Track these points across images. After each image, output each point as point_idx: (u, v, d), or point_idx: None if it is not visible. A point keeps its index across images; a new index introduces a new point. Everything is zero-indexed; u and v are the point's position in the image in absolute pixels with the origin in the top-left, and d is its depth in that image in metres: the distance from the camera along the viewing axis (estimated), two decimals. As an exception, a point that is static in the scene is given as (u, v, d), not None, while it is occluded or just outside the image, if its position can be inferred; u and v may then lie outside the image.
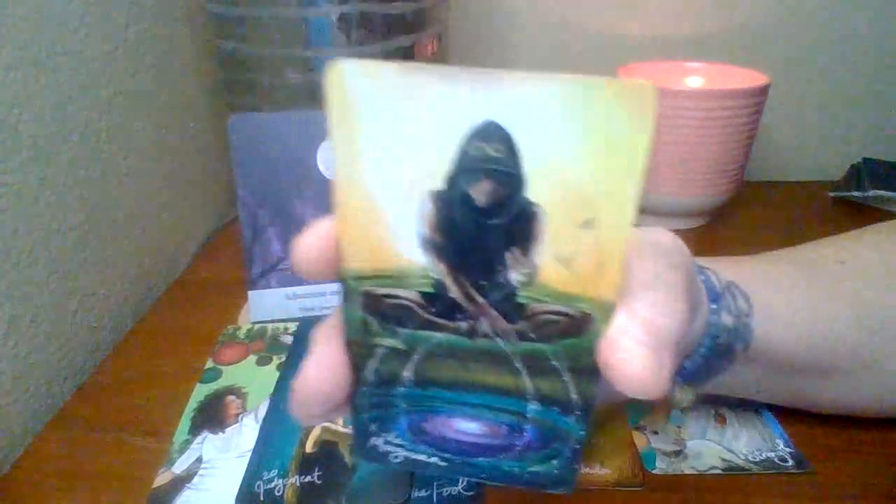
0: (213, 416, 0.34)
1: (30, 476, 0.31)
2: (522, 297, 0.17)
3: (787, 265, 0.30)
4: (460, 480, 0.29)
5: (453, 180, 0.16)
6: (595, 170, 0.16)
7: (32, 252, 0.36)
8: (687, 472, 0.30)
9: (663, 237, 0.21)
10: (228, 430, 0.34)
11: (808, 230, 0.35)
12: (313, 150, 0.41)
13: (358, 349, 0.19)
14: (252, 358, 0.39)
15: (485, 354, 0.19)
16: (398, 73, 0.16)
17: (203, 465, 0.31)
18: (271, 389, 0.36)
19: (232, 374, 0.38)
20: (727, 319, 0.25)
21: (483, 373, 0.19)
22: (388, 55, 0.47)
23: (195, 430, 0.34)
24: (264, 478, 0.30)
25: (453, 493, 0.29)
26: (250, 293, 0.43)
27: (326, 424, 0.33)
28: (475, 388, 0.19)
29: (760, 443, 0.31)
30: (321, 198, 0.42)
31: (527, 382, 0.19)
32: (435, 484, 0.29)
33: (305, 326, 0.42)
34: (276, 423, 0.33)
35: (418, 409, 0.20)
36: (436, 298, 0.18)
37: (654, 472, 0.30)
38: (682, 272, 0.20)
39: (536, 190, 0.16)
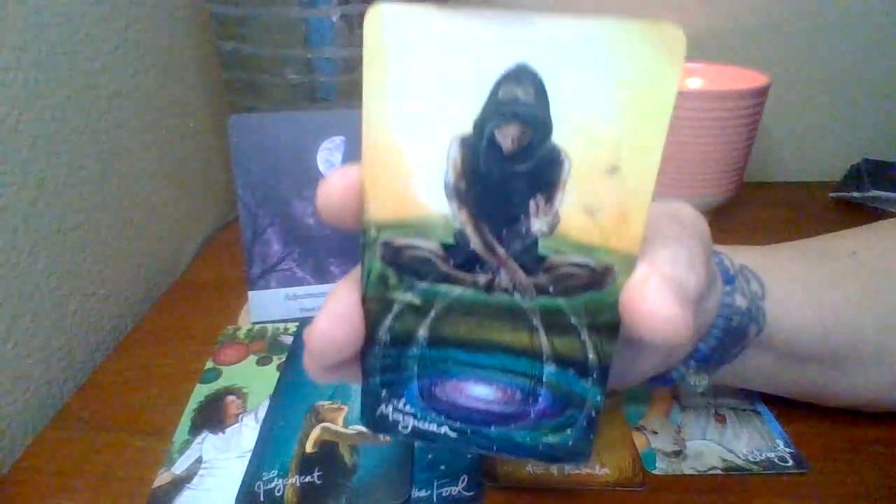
0: (213, 416, 0.34)
1: (30, 476, 0.31)
2: (543, 248, 0.17)
3: (800, 253, 0.30)
4: (460, 480, 0.29)
5: (481, 125, 0.16)
6: (622, 113, 0.16)
7: (32, 252, 0.36)
8: (687, 472, 0.30)
9: (683, 209, 0.22)
10: (228, 430, 0.34)
11: (808, 230, 0.35)
12: (313, 150, 0.41)
13: (374, 304, 0.19)
14: (252, 358, 0.39)
15: (502, 311, 0.18)
16: (435, 16, 0.16)
17: (203, 465, 0.31)
18: (271, 389, 0.36)
19: (232, 375, 0.38)
20: (741, 301, 0.26)
21: (499, 331, 0.19)
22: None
23: (195, 430, 0.34)
24: (264, 478, 0.30)
25: (453, 493, 0.29)
26: (250, 293, 0.43)
27: (326, 424, 0.33)
28: (490, 347, 0.19)
29: (760, 443, 0.31)
30: (321, 198, 0.42)
31: (543, 341, 0.18)
32: (435, 484, 0.29)
33: (305, 327, 0.42)
34: (276, 423, 0.33)
35: (430, 373, 0.20)
36: (456, 250, 0.18)
37: (654, 472, 0.30)
38: (700, 241, 0.20)
39: (563, 135, 0.16)
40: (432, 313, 0.19)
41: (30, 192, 0.36)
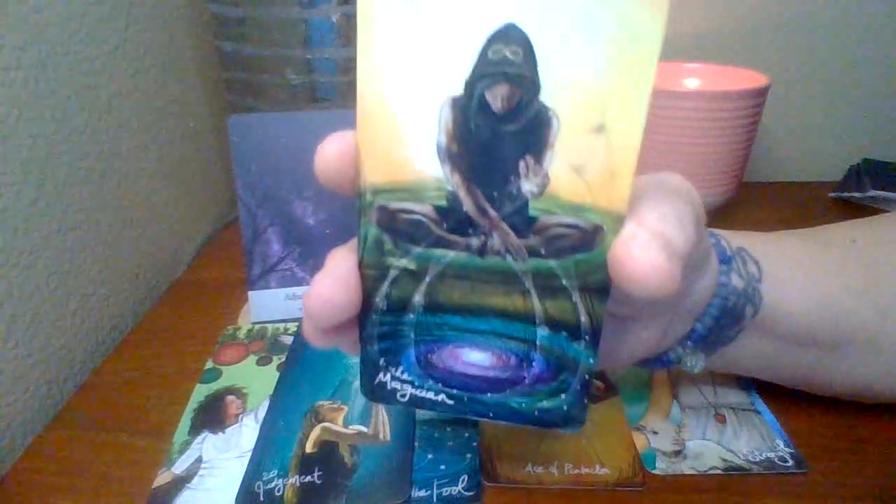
0: (213, 416, 0.34)
1: (30, 476, 0.31)
2: (534, 209, 0.18)
3: (799, 240, 0.31)
4: (460, 480, 0.29)
5: (471, 85, 0.17)
6: (608, 71, 0.16)
7: (32, 252, 0.36)
8: (687, 472, 0.30)
9: (672, 177, 0.22)
10: (228, 430, 0.34)
11: (808, 230, 0.35)
12: (313, 150, 0.41)
13: (371, 270, 0.19)
14: (252, 358, 0.39)
15: (495, 274, 0.19)
16: None
17: (203, 465, 0.31)
18: (271, 389, 0.36)
19: (232, 375, 0.38)
20: (737, 282, 0.26)
21: (492, 295, 0.19)
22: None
23: (195, 430, 0.34)
24: (264, 478, 0.30)
25: (453, 493, 0.29)
26: (250, 293, 0.43)
27: (326, 424, 0.33)
28: (484, 312, 0.19)
29: (760, 443, 0.31)
30: (321, 198, 0.42)
31: (536, 304, 0.19)
32: (435, 484, 0.29)
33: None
34: (276, 422, 0.33)
35: (427, 339, 0.20)
36: (449, 213, 0.18)
37: (654, 472, 0.30)
38: (689, 205, 0.20)
39: (551, 94, 0.17)
40: (427, 278, 0.19)
41: (30, 192, 0.36)
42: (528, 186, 0.17)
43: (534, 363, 0.20)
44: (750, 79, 0.51)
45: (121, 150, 0.44)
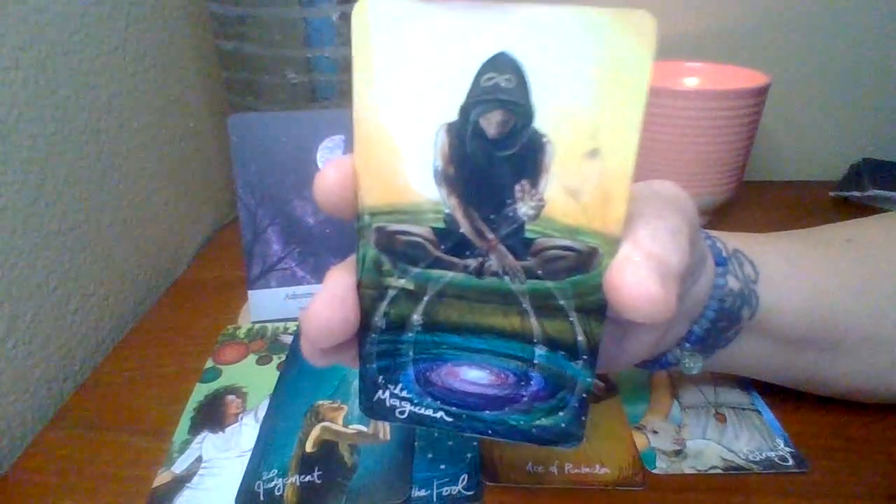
0: (213, 415, 0.34)
1: (30, 476, 0.31)
2: (530, 231, 0.18)
3: (795, 240, 0.31)
4: (460, 480, 0.29)
5: (466, 112, 0.17)
6: (600, 97, 0.16)
7: (32, 252, 0.36)
8: (687, 472, 0.30)
9: (665, 186, 0.22)
10: (228, 429, 0.34)
11: (808, 230, 0.35)
12: (313, 150, 0.41)
13: (369, 290, 0.19)
14: (252, 358, 0.39)
15: (493, 294, 0.19)
16: (420, 7, 0.16)
17: (203, 465, 0.31)
18: (271, 389, 0.36)
19: (232, 374, 0.38)
20: (733, 284, 0.26)
21: (491, 314, 0.19)
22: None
23: (195, 429, 0.34)
24: (264, 477, 0.30)
25: (453, 492, 0.29)
26: (250, 293, 0.43)
27: (326, 424, 0.33)
28: (483, 331, 0.19)
29: (760, 442, 0.31)
30: (321, 198, 0.42)
31: (534, 324, 0.19)
32: (435, 484, 0.29)
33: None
34: (276, 422, 0.33)
35: (425, 358, 0.20)
36: (447, 234, 0.18)
37: (654, 472, 0.30)
38: (683, 215, 0.20)
39: (544, 120, 0.17)
40: (426, 298, 0.19)
41: (30, 192, 0.36)
42: (524, 209, 0.18)
43: (532, 381, 0.20)
44: (750, 78, 0.51)
45: (121, 150, 0.44)
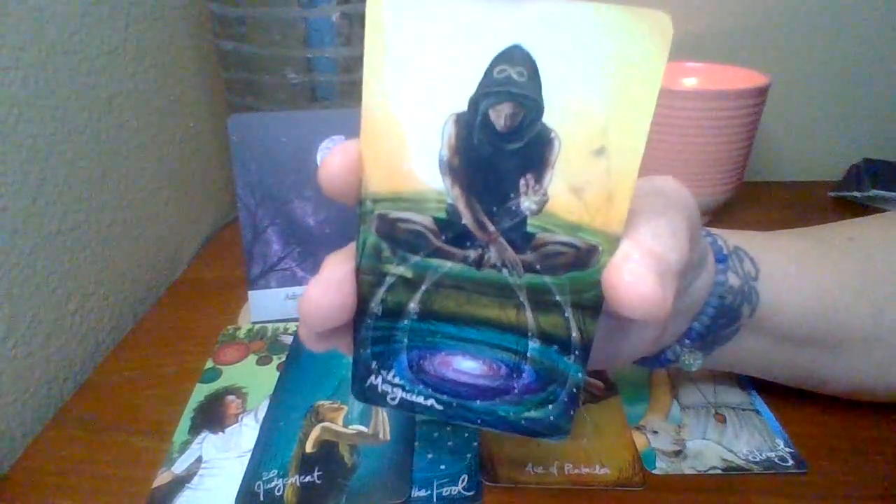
0: (213, 416, 0.34)
1: (30, 476, 0.31)
2: (532, 226, 0.18)
3: (796, 238, 0.31)
4: (460, 480, 0.29)
5: (476, 103, 0.17)
6: (610, 95, 0.16)
7: (32, 252, 0.36)
8: (687, 472, 0.30)
9: (667, 182, 0.22)
10: (228, 430, 0.34)
11: (808, 230, 0.35)
12: (313, 150, 0.41)
13: (367, 276, 0.19)
14: (252, 358, 0.39)
15: (490, 286, 0.19)
16: None
17: (203, 465, 0.31)
18: (271, 389, 0.36)
19: (232, 374, 0.38)
20: (734, 280, 0.26)
21: (487, 306, 0.19)
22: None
23: (195, 430, 0.34)
24: (264, 478, 0.30)
25: (453, 493, 0.29)
26: (250, 293, 0.43)
27: (326, 424, 0.33)
28: (478, 322, 0.20)
29: (760, 443, 0.31)
30: (321, 198, 0.42)
31: (529, 317, 0.19)
32: (435, 484, 0.29)
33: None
34: (276, 423, 0.33)
35: (419, 345, 0.20)
36: (448, 225, 0.18)
37: (654, 472, 0.30)
38: (684, 212, 0.21)
39: (554, 116, 0.17)
40: (423, 287, 0.19)
41: (30, 192, 0.36)
42: (527, 204, 0.18)
43: (524, 374, 0.20)
44: (750, 78, 0.51)
45: (121, 150, 0.44)
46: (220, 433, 0.33)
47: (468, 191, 0.18)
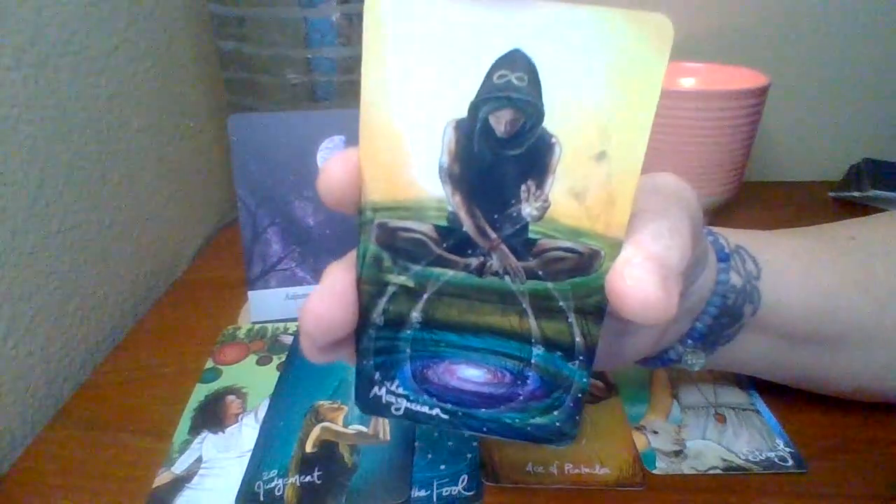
0: (213, 416, 0.34)
1: (30, 476, 0.31)
2: (533, 232, 0.18)
3: (798, 237, 0.31)
4: (460, 480, 0.29)
5: (476, 109, 0.17)
6: (612, 101, 0.16)
7: (32, 252, 0.36)
8: (687, 472, 0.30)
9: (668, 180, 0.22)
10: (228, 430, 0.34)
11: (808, 230, 0.35)
12: (313, 150, 0.41)
13: (368, 286, 0.19)
14: (252, 358, 0.39)
15: (493, 294, 0.19)
16: (433, 1, 0.16)
17: (203, 465, 0.31)
18: (271, 389, 0.36)
19: (232, 374, 0.38)
20: (736, 280, 0.26)
21: (490, 314, 0.19)
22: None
23: (195, 430, 0.34)
24: (264, 478, 0.30)
25: (453, 493, 0.29)
26: (250, 293, 0.43)
27: (326, 424, 0.33)
28: (481, 330, 0.19)
29: (760, 443, 0.31)
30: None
31: (532, 324, 0.19)
32: (435, 484, 0.29)
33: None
34: (276, 423, 0.33)
35: (423, 355, 0.20)
36: (449, 232, 0.18)
37: (654, 472, 0.30)
38: (686, 209, 0.20)
39: (554, 121, 0.17)
40: (425, 296, 0.19)
41: (30, 192, 0.36)
42: (528, 210, 0.18)
43: (528, 381, 0.20)
44: (750, 78, 0.51)
45: (121, 150, 0.44)
46: (221, 433, 0.33)
47: (469, 198, 0.18)
